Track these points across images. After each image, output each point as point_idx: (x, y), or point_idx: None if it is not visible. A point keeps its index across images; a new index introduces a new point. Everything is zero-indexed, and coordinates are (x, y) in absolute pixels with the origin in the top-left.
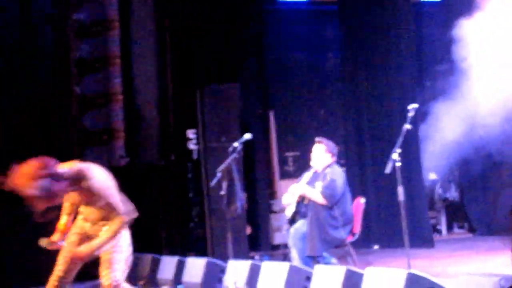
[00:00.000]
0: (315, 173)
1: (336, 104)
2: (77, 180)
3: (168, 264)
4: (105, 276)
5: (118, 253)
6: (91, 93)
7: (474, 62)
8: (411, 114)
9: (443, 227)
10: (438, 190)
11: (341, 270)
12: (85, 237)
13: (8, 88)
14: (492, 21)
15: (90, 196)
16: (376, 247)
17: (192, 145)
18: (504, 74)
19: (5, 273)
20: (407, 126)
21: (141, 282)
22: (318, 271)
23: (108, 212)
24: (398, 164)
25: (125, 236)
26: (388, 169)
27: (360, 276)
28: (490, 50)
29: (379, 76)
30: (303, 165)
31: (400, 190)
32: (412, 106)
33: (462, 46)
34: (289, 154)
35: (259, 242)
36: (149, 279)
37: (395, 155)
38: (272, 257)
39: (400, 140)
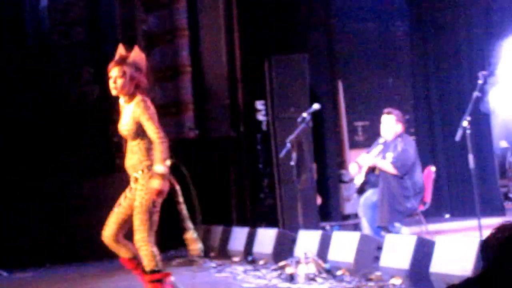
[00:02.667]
0: (386, 143)
1: (405, 72)
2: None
3: (239, 235)
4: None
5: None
6: (159, 66)
7: None
8: (480, 81)
9: None
10: (510, 158)
11: (412, 239)
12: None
13: (79, 63)
14: None
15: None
16: (447, 216)
17: (261, 116)
18: None
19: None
20: (477, 93)
21: (212, 254)
22: (389, 240)
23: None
24: (468, 131)
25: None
26: (458, 137)
27: (431, 245)
28: None
29: (448, 43)
30: (372, 134)
31: (471, 158)
32: (482, 73)
33: None
34: (358, 123)
35: (329, 212)
36: (220, 251)
37: (465, 123)
38: (342, 227)
39: (470, 107)
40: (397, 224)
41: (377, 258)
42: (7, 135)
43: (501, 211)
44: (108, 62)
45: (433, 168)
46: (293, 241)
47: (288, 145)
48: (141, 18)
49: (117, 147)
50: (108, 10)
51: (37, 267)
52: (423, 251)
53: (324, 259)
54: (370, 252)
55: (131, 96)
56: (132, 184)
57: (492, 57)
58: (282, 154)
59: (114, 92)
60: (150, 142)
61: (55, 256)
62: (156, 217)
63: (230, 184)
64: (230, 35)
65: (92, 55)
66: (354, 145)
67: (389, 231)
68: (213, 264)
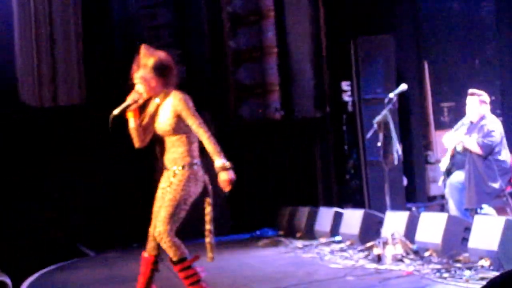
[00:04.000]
0: (471, 124)
1: (491, 53)
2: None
3: (325, 216)
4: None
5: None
6: (245, 47)
7: None
8: None
9: None
10: None
11: (500, 220)
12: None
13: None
14: None
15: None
16: None
17: (346, 97)
18: None
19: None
20: None
21: (299, 234)
22: (477, 221)
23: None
24: None
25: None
26: None
27: None
28: None
29: None
30: (458, 115)
31: None
32: None
33: None
34: (444, 104)
35: (415, 194)
36: (307, 231)
37: None
38: (428, 208)
39: None
40: (484, 206)
41: (465, 240)
42: None
43: None
44: (193, 44)
45: None
46: (380, 222)
47: (375, 126)
48: (227, 0)
49: None
50: None
51: (124, 247)
52: None
53: (412, 240)
54: (457, 233)
55: (165, 94)
56: (170, 178)
57: None
58: (368, 135)
59: (144, 96)
60: (191, 137)
61: (141, 237)
62: (183, 214)
63: (315, 165)
64: (315, 16)
65: (177, 37)
66: (440, 126)
67: (476, 213)
68: (300, 245)
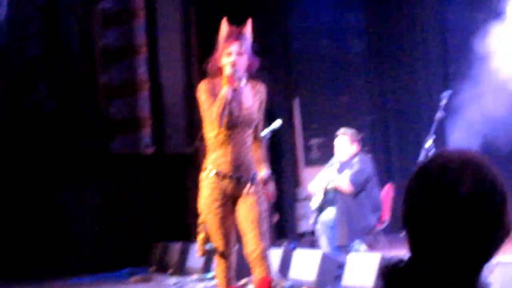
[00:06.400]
0: (341, 163)
1: (361, 91)
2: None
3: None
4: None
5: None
6: (117, 82)
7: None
8: (444, 101)
9: None
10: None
11: (375, 257)
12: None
13: (33, 78)
14: None
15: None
16: (402, 234)
17: None
18: None
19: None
20: (440, 114)
21: (171, 270)
22: (351, 259)
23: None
24: (432, 151)
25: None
26: (421, 157)
27: None
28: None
29: (404, 62)
30: (328, 152)
31: None
32: (445, 93)
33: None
34: (314, 141)
35: (285, 230)
36: (179, 267)
37: (428, 143)
38: (299, 245)
39: (433, 127)
40: (356, 242)
41: (338, 277)
42: None
43: None
44: (64, 77)
45: (391, 187)
46: None
47: None
48: (99, 33)
49: None
50: (66, 25)
51: None
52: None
53: (285, 277)
54: (332, 270)
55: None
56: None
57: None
58: None
59: (231, 71)
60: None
61: None
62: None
63: (187, 200)
64: (188, 52)
65: (48, 70)
66: (309, 162)
67: (348, 250)
68: (172, 281)
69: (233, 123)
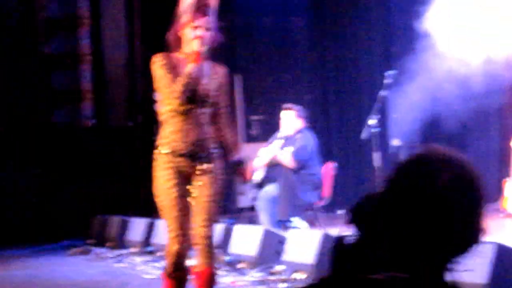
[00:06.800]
0: (286, 138)
1: (302, 68)
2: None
3: (137, 226)
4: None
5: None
6: (59, 53)
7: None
8: (388, 80)
9: None
10: (402, 157)
11: (316, 234)
12: None
13: None
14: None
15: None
16: (340, 212)
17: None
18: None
19: None
20: (384, 93)
21: (109, 244)
22: (292, 235)
23: None
24: (375, 130)
25: None
26: (364, 135)
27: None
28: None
29: (347, 41)
30: (268, 129)
31: (376, 156)
32: (389, 72)
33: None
34: (254, 117)
35: (224, 206)
36: (118, 241)
37: (371, 121)
38: (237, 220)
39: (376, 106)
40: (295, 219)
41: (278, 253)
42: None
43: None
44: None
45: (332, 165)
46: None
47: None
48: (42, 4)
49: None
50: None
51: None
52: (328, 247)
53: (225, 252)
54: (272, 246)
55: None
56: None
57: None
58: None
59: (200, 48)
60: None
61: None
62: None
63: (126, 174)
64: (131, 26)
65: None
66: (249, 139)
67: (288, 226)
68: (111, 254)
69: (189, 99)
